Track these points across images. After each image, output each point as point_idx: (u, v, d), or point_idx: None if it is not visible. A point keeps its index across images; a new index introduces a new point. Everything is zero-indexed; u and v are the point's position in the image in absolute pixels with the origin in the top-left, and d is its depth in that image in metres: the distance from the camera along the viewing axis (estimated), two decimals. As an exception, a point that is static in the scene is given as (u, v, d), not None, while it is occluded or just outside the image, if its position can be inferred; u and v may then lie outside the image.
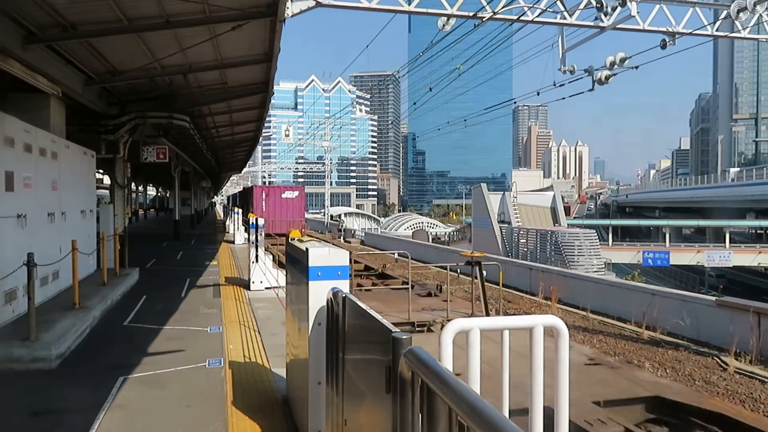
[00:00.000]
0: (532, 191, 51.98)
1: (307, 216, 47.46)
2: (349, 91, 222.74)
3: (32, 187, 8.66)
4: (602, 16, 12.94)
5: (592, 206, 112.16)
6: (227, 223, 36.00)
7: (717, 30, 14.11)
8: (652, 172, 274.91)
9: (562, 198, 49.78)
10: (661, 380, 7.97)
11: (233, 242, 25.19)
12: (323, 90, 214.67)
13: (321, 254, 4.06)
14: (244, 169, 64.98)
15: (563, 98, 17.04)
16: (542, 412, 2.33)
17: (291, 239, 5.00)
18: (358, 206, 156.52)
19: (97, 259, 12.58)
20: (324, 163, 74.91)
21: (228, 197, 79.84)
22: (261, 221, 13.76)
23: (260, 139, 29.27)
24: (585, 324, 13.32)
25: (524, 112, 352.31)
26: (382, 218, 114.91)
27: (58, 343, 6.86)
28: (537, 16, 12.71)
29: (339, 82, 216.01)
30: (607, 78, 13.94)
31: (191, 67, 11.67)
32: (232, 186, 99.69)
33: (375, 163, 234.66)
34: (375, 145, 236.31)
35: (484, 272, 20.40)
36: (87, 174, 12.46)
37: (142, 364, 6.65)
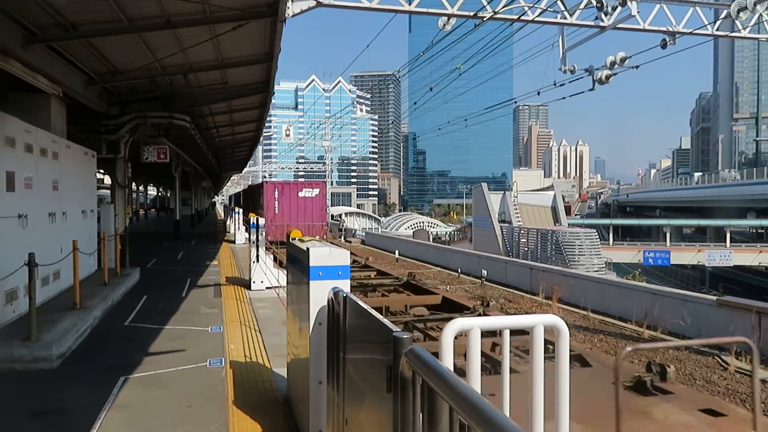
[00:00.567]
0: (532, 191, 51.95)
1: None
2: (350, 90, 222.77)
3: (33, 187, 8.67)
4: (602, 16, 12.94)
5: (593, 204, 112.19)
6: (228, 223, 35.85)
7: (717, 29, 14.10)
8: (653, 171, 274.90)
9: (563, 198, 49.79)
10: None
11: (234, 242, 25.20)
12: (324, 90, 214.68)
13: (322, 254, 4.06)
14: (245, 169, 65.06)
15: (564, 98, 17.04)
16: (543, 412, 2.33)
17: (292, 239, 5.00)
18: (358, 206, 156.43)
19: (97, 259, 12.60)
20: (324, 163, 74.95)
21: (230, 197, 75.85)
22: (261, 221, 13.75)
23: (261, 139, 29.20)
24: (586, 323, 13.32)
25: (525, 112, 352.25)
26: (383, 218, 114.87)
27: (59, 343, 6.86)
28: (537, 16, 12.71)
29: (339, 81, 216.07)
30: (607, 77, 13.94)
31: (192, 67, 11.67)
32: (233, 185, 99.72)
33: (375, 162, 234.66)
34: (375, 144, 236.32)
35: (485, 271, 20.44)
36: (88, 174, 12.46)
37: (143, 364, 6.66)
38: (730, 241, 54.67)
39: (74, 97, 11.21)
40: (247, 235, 18.50)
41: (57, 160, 9.98)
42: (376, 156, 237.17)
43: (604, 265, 31.26)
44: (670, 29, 13.26)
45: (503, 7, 12.57)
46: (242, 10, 8.54)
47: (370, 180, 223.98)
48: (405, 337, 2.15)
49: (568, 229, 33.92)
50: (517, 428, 1.29)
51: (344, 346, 3.32)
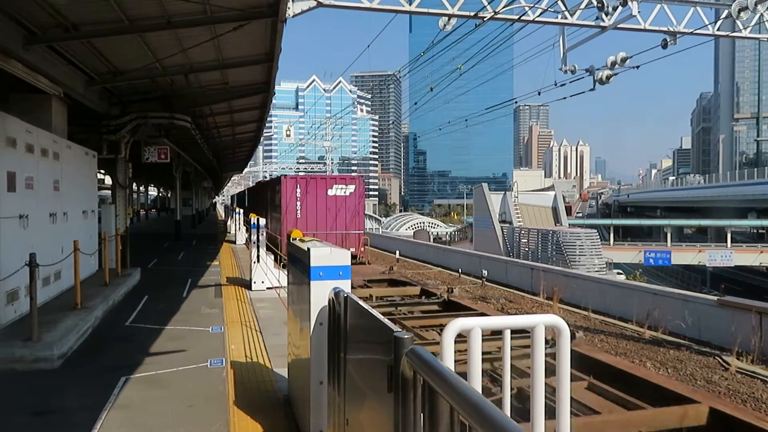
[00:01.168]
0: (533, 191, 51.97)
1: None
2: (350, 91, 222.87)
3: (34, 187, 8.68)
4: (603, 16, 12.93)
5: (594, 203, 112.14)
6: (229, 223, 35.67)
7: (718, 29, 14.10)
8: (654, 171, 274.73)
9: (564, 198, 49.77)
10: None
11: (235, 242, 25.21)
12: (324, 90, 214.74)
13: (323, 254, 4.06)
14: (245, 169, 65.02)
15: (564, 98, 17.01)
16: (543, 411, 2.33)
17: (293, 239, 5.00)
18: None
19: (98, 259, 12.60)
20: (325, 163, 74.87)
21: (232, 196, 71.72)
22: (262, 221, 13.75)
23: (261, 139, 29.15)
24: (586, 324, 13.32)
25: (525, 112, 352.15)
26: (384, 218, 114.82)
27: (60, 343, 6.87)
28: (538, 16, 12.70)
29: (340, 82, 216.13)
30: (608, 78, 13.93)
31: (192, 68, 11.68)
32: (234, 186, 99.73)
33: (376, 163, 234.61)
34: (376, 145, 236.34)
35: (485, 272, 20.43)
36: (88, 174, 12.47)
37: (144, 364, 6.66)
38: (731, 242, 54.64)
39: (75, 98, 11.22)
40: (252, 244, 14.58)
41: (58, 160, 9.99)
42: (377, 156, 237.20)
43: (605, 266, 31.25)
44: (671, 29, 13.25)
45: (504, 8, 12.56)
46: (243, 10, 8.54)
47: (370, 180, 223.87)
48: (406, 337, 2.16)
49: (569, 230, 33.92)
50: (519, 428, 1.29)
51: (345, 346, 3.32)
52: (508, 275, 21.84)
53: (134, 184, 40.06)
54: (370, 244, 26.11)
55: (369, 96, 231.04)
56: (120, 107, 13.87)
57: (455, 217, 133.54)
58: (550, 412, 2.39)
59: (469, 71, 18.98)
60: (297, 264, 4.65)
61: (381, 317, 2.69)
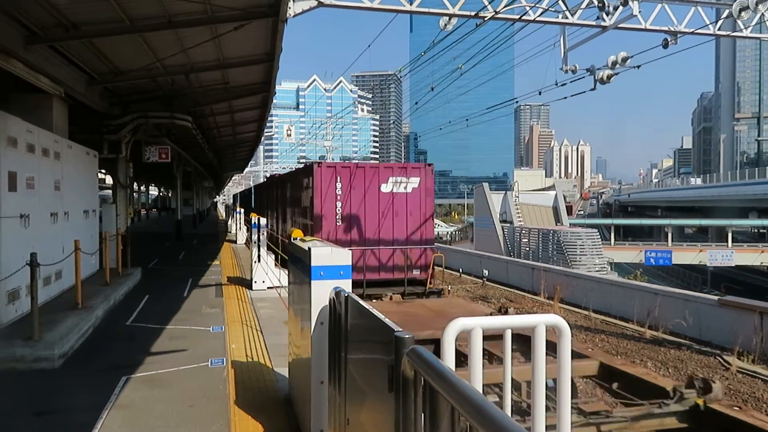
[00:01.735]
0: (533, 191, 51.94)
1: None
2: (351, 90, 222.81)
3: (35, 187, 8.68)
4: (604, 16, 12.91)
5: (595, 203, 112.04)
6: (229, 223, 35.59)
7: (719, 29, 14.08)
8: (654, 171, 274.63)
9: (564, 197, 49.72)
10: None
11: (235, 242, 25.22)
12: (325, 90, 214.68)
13: (323, 254, 4.06)
14: (246, 169, 64.99)
15: (565, 98, 16.99)
16: (544, 411, 2.33)
17: (293, 239, 5.00)
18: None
19: (99, 258, 12.60)
20: (326, 163, 74.61)
21: (234, 195, 66.52)
22: (263, 221, 13.74)
23: (262, 139, 29.11)
24: (587, 323, 13.32)
25: (526, 112, 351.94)
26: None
27: (61, 342, 6.87)
28: (539, 16, 12.70)
29: (341, 81, 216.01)
30: (608, 77, 13.91)
31: (193, 67, 11.68)
32: (234, 185, 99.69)
33: (377, 162, 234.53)
34: (377, 144, 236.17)
35: (486, 271, 20.41)
36: (89, 174, 12.47)
37: (145, 364, 6.67)
38: (732, 241, 54.60)
39: (76, 97, 11.22)
40: (253, 243, 13.57)
41: (59, 160, 9.99)
42: (378, 156, 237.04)
43: (606, 265, 31.23)
44: (672, 29, 13.24)
45: (504, 7, 12.56)
46: (244, 10, 8.54)
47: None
48: (407, 336, 2.15)
49: (570, 229, 33.90)
50: (519, 428, 1.29)
51: (346, 345, 3.32)
52: (508, 275, 21.83)
53: (135, 184, 40.08)
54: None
55: (370, 96, 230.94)
56: (121, 107, 13.87)
57: (456, 216, 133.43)
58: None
59: (470, 71, 18.97)
60: (298, 263, 4.65)
61: (382, 316, 2.69)
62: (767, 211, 57.19)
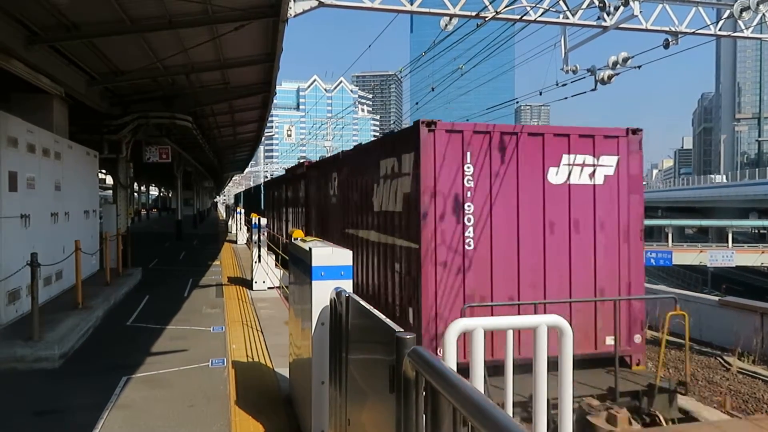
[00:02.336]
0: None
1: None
2: (351, 90, 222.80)
3: (35, 187, 8.68)
4: (605, 16, 12.91)
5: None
6: (230, 223, 35.50)
7: (720, 29, 14.06)
8: (655, 171, 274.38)
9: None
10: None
11: (236, 242, 25.22)
12: (325, 90, 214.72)
13: (324, 254, 4.06)
14: (246, 169, 64.96)
15: (566, 98, 16.97)
16: (546, 410, 2.33)
17: (294, 239, 5.00)
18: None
19: (100, 258, 12.61)
20: (326, 163, 74.52)
21: (237, 195, 60.79)
22: (263, 221, 13.75)
23: (262, 139, 29.07)
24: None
25: (526, 112, 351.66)
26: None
27: (62, 342, 6.87)
28: (539, 16, 12.69)
29: (341, 81, 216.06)
30: (609, 77, 13.89)
31: (193, 68, 11.68)
32: (235, 186, 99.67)
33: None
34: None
35: None
36: (90, 174, 12.48)
37: (145, 364, 6.66)
38: (732, 242, 54.54)
39: (76, 98, 11.23)
40: (253, 244, 12.76)
41: (59, 160, 9.99)
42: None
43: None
44: (673, 29, 13.24)
45: (505, 8, 12.55)
46: (244, 10, 8.54)
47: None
48: (408, 337, 2.15)
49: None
50: (521, 428, 1.29)
51: (347, 346, 3.32)
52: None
53: (135, 184, 40.09)
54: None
55: (370, 96, 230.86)
56: (121, 107, 13.87)
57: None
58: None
59: (471, 71, 18.97)
60: (298, 264, 4.65)
61: (383, 317, 2.68)
62: (767, 212, 57.16)
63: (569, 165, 7.32)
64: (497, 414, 1.36)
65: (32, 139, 8.66)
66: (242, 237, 24.99)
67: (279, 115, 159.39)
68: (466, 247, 6.88)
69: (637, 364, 7.36)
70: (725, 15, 13.52)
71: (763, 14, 13.27)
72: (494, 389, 4.80)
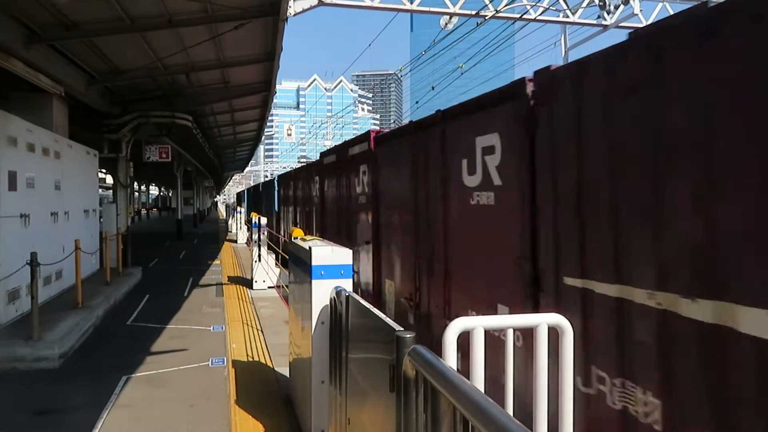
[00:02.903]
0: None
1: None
2: (351, 90, 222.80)
3: (35, 186, 8.68)
4: (605, 15, 12.91)
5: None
6: (230, 222, 35.46)
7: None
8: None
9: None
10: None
11: (236, 242, 25.22)
12: (325, 89, 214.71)
13: (324, 253, 4.05)
14: (246, 168, 65.05)
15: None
16: (546, 410, 2.32)
17: (294, 238, 4.99)
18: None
19: (100, 258, 12.61)
20: (326, 163, 74.62)
21: (239, 194, 54.82)
22: (264, 220, 13.74)
23: (262, 139, 29.07)
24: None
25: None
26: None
27: (62, 342, 6.87)
28: (539, 15, 12.70)
29: (341, 81, 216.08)
30: (609, 76, 13.90)
31: (193, 67, 11.67)
32: (235, 185, 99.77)
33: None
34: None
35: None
36: (90, 173, 12.47)
37: (145, 364, 6.66)
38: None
39: (76, 97, 11.22)
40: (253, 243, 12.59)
41: (59, 159, 9.98)
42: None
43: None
44: (673, 28, 13.24)
45: (505, 6, 12.56)
46: (244, 9, 8.53)
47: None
48: (408, 336, 2.14)
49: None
50: (522, 427, 1.28)
51: (347, 345, 3.31)
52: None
53: (135, 184, 40.09)
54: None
55: (370, 95, 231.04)
56: (121, 106, 13.87)
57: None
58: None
59: (471, 70, 18.97)
60: (298, 263, 4.64)
61: (383, 316, 2.67)
62: None
63: None
64: (497, 414, 1.35)
65: (32, 138, 8.65)
66: (242, 236, 25.01)
67: (279, 114, 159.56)
68: None
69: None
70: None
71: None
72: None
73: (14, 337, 6.90)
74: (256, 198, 28.23)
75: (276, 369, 6.43)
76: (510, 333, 2.34)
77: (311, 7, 11.06)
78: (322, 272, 3.99)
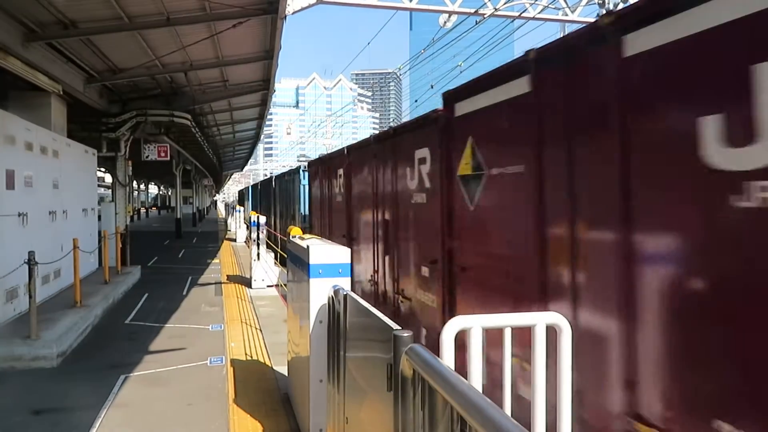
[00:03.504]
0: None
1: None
2: (351, 88, 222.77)
3: (33, 185, 8.66)
4: (604, 13, 12.92)
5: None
6: (229, 221, 35.47)
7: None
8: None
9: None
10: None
11: (235, 240, 25.22)
12: (324, 87, 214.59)
13: (322, 252, 4.04)
14: (246, 167, 65.07)
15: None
16: (545, 410, 2.31)
17: (292, 237, 4.98)
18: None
19: (98, 257, 12.58)
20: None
21: (241, 192, 52.00)
22: (263, 219, 13.73)
23: (261, 137, 29.04)
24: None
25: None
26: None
27: (60, 341, 6.85)
28: (539, 13, 12.68)
29: (340, 79, 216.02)
30: (609, 75, 13.90)
31: (192, 65, 11.66)
32: (234, 184, 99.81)
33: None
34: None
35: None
36: (88, 172, 12.45)
37: (144, 363, 6.65)
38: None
39: (74, 95, 11.20)
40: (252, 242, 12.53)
41: (57, 158, 9.96)
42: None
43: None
44: (672, 26, 13.24)
45: (504, 4, 12.54)
46: (242, 7, 8.51)
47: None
48: (405, 335, 2.13)
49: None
50: (519, 427, 1.27)
51: (345, 344, 3.31)
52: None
53: (134, 182, 40.07)
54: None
55: (369, 94, 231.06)
56: (120, 105, 13.84)
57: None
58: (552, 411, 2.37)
59: (470, 69, 18.95)
60: (296, 262, 4.63)
61: (381, 315, 2.67)
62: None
63: None
64: (495, 413, 1.34)
65: (30, 137, 8.63)
66: (241, 235, 25.01)
67: (278, 113, 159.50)
68: None
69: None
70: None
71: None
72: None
73: (12, 336, 6.88)
74: (266, 197, 23.96)
75: (275, 368, 6.43)
76: (508, 332, 2.33)
77: (310, 5, 11.05)
78: (320, 271, 3.98)
